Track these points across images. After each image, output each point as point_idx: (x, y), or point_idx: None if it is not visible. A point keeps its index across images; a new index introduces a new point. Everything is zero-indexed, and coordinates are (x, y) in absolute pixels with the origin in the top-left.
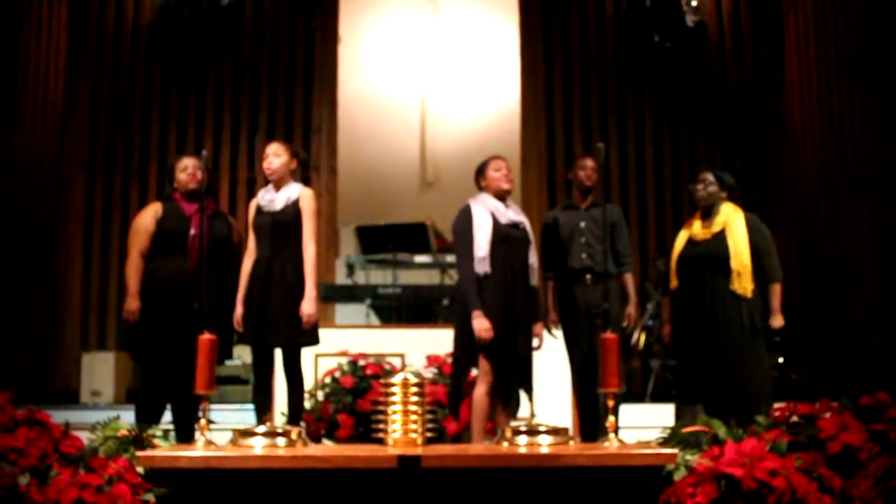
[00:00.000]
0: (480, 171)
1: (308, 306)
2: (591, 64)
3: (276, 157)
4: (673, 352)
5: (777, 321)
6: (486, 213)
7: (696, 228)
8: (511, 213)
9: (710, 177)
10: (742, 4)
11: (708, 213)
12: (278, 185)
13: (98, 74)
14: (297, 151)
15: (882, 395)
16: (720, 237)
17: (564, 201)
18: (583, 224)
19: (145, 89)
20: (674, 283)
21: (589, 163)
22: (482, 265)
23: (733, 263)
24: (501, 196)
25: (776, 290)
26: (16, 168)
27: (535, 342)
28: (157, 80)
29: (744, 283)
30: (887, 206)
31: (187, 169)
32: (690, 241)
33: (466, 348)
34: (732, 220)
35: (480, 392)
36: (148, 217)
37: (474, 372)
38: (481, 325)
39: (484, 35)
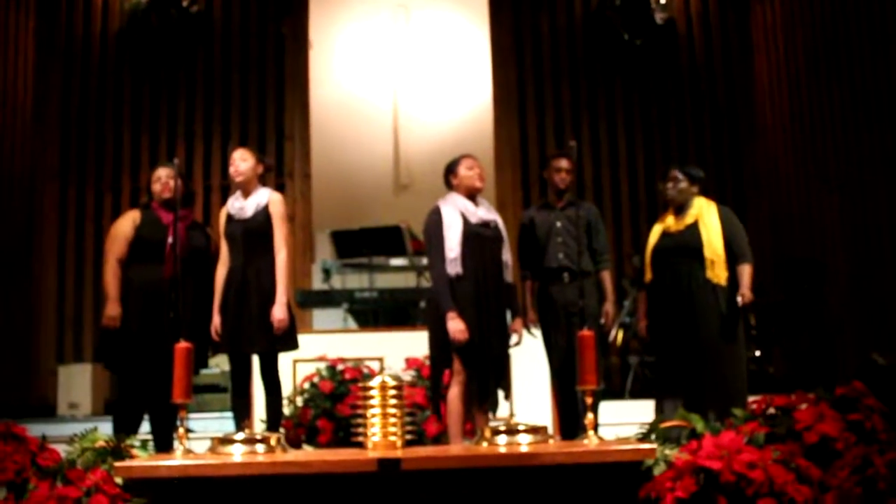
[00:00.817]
0: (451, 170)
1: (279, 311)
2: (563, 63)
3: (242, 161)
4: (651, 345)
5: (745, 295)
6: (455, 214)
7: (670, 221)
8: (481, 212)
9: (679, 174)
10: (710, 1)
11: (681, 209)
12: (247, 192)
13: (68, 84)
14: (263, 157)
15: (857, 384)
16: (693, 228)
17: (540, 201)
18: (559, 223)
19: (116, 98)
20: (648, 275)
21: (563, 163)
22: (454, 266)
23: (707, 252)
24: (472, 195)
25: (746, 270)
26: None
27: (514, 339)
28: (127, 89)
29: (717, 272)
30: (859, 199)
31: (160, 179)
32: (665, 234)
33: (441, 349)
34: (705, 212)
35: (455, 393)
36: (126, 224)
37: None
38: (455, 326)
39: (455, 37)
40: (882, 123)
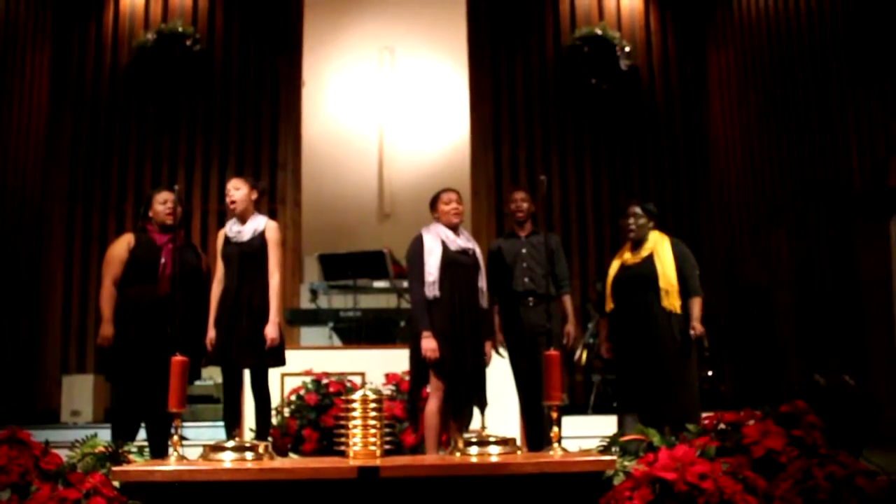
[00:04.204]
0: (433, 203)
1: (272, 330)
2: (535, 103)
3: (235, 190)
4: (613, 366)
5: (696, 328)
6: (436, 241)
7: (627, 255)
8: (461, 241)
9: (638, 210)
10: (671, 51)
11: (637, 243)
12: (244, 218)
13: (78, 115)
14: (256, 183)
15: (800, 403)
16: (649, 260)
17: (507, 231)
18: (524, 251)
19: (122, 129)
20: (609, 305)
21: (518, 195)
22: (432, 289)
23: (661, 283)
24: (453, 225)
25: (697, 303)
26: (0, 202)
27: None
28: (133, 120)
29: (672, 300)
30: (803, 231)
31: (167, 203)
32: (623, 267)
33: (419, 367)
34: (659, 245)
35: (432, 407)
36: (121, 247)
37: (429, 388)
38: (428, 344)
39: (436, 78)
40: (825, 162)
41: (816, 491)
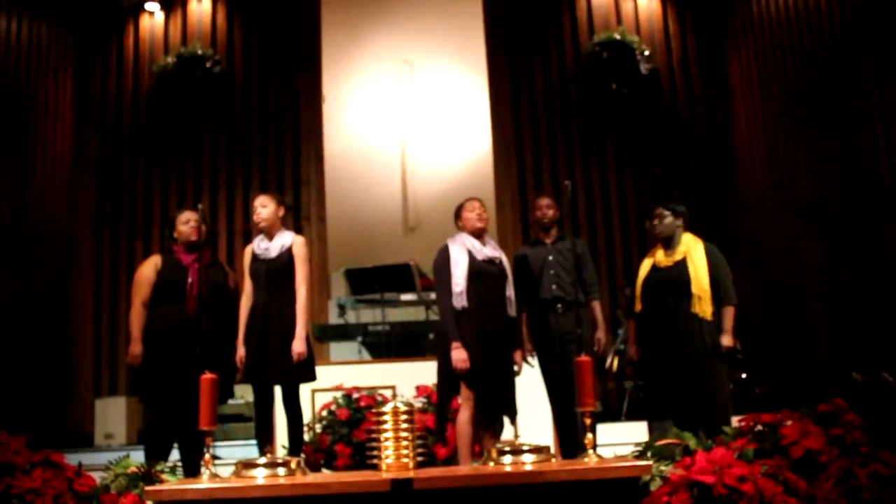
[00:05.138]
0: (457, 213)
1: (299, 345)
2: (556, 111)
3: (262, 207)
4: (641, 371)
5: (727, 340)
6: (462, 252)
7: (660, 256)
8: (487, 250)
9: (663, 211)
10: (690, 52)
11: (669, 243)
12: (271, 234)
13: (103, 139)
14: (283, 199)
15: (839, 401)
16: (682, 264)
17: (533, 238)
18: (551, 257)
19: (146, 151)
20: (638, 306)
21: (543, 201)
22: (460, 299)
23: (694, 288)
24: (478, 234)
25: (729, 313)
26: (29, 227)
27: (514, 368)
28: (156, 143)
29: (704, 307)
30: (832, 230)
31: (189, 222)
32: (654, 268)
33: (448, 377)
34: (693, 249)
35: (464, 418)
36: (148, 269)
37: (459, 399)
38: (458, 355)
39: (456, 89)
40: (852, 158)
41: (861, 490)
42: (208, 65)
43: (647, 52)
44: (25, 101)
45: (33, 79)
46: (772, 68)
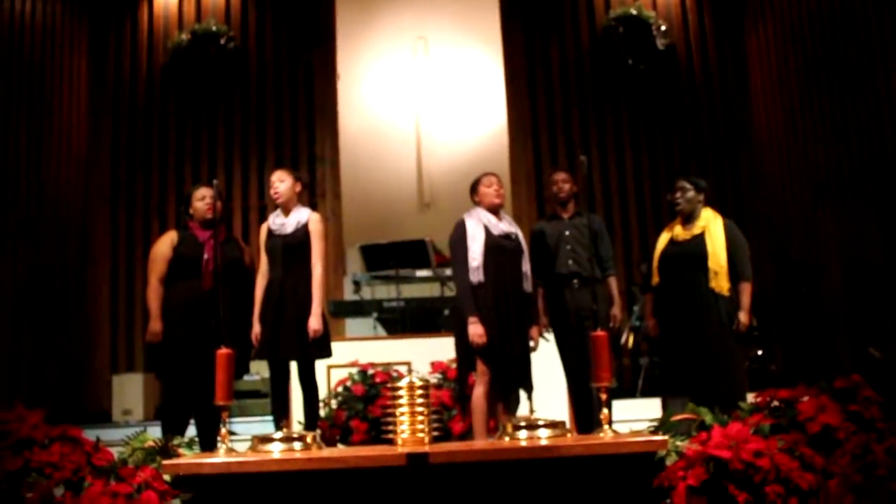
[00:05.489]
0: (474, 188)
1: (314, 322)
2: (571, 86)
3: (280, 182)
4: (657, 346)
5: (744, 318)
6: (479, 227)
7: (678, 230)
8: (503, 225)
9: (686, 184)
10: (707, 27)
11: (688, 218)
12: (287, 210)
13: (117, 116)
14: (300, 175)
15: (856, 377)
16: (700, 239)
17: (549, 213)
18: (567, 232)
19: (161, 128)
20: (656, 279)
21: (559, 176)
22: (476, 274)
23: (711, 263)
24: (494, 209)
25: (746, 289)
26: (46, 205)
27: (530, 344)
28: (171, 120)
29: (721, 282)
30: (850, 207)
31: (205, 199)
32: (672, 242)
33: (466, 353)
34: (712, 224)
35: (479, 393)
36: (165, 245)
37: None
38: (475, 330)
39: (471, 65)
40: (871, 135)
41: (876, 466)
42: (223, 41)
43: (663, 28)
44: (41, 81)
45: (48, 58)
46: (790, 43)
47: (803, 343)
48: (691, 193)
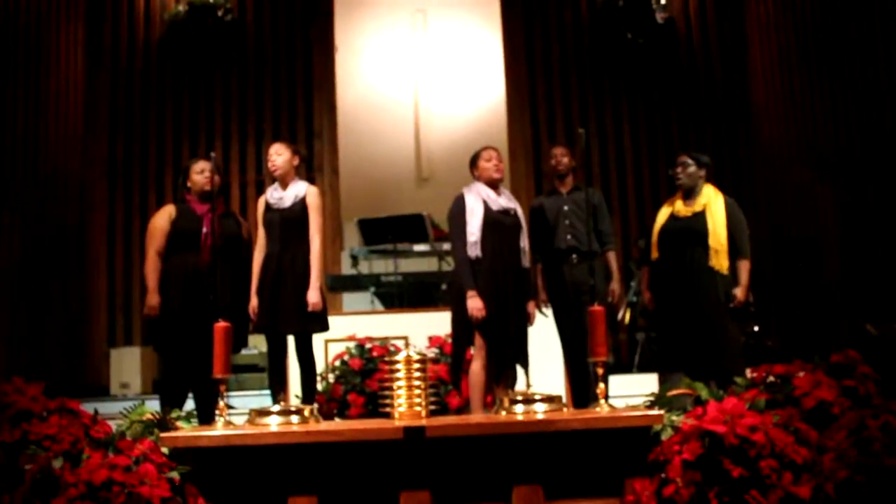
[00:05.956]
0: (473, 162)
1: (313, 295)
2: (570, 61)
3: (277, 155)
4: (654, 321)
5: (740, 294)
6: (478, 201)
7: (679, 206)
8: (502, 200)
9: (688, 160)
10: (707, 1)
11: (689, 194)
12: (285, 183)
13: (114, 87)
14: (298, 149)
15: (852, 352)
16: (700, 216)
17: (548, 188)
18: (566, 207)
19: (158, 100)
20: (654, 254)
21: (558, 150)
22: (474, 249)
23: (711, 241)
24: (494, 184)
25: (745, 267)
26: (42, 177)
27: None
28: (168, 92)
29: (720, 260)
30: (849, 181)
31: (204, 172)
32: (673, 217)
33: (463, 327)
34: (713, 202)
35: (476, 367)
36: (162, 218)
37: (472, 349)
38: (474, 304)
39: (469, 38)
40: (869, 110)
41: (871, 441)
42: (220, 13)
43: (663, 1)
44: (37, 52)
45: (44, 29)
46: (790, 17)
47: (800, 319)
48: (692, 169)
